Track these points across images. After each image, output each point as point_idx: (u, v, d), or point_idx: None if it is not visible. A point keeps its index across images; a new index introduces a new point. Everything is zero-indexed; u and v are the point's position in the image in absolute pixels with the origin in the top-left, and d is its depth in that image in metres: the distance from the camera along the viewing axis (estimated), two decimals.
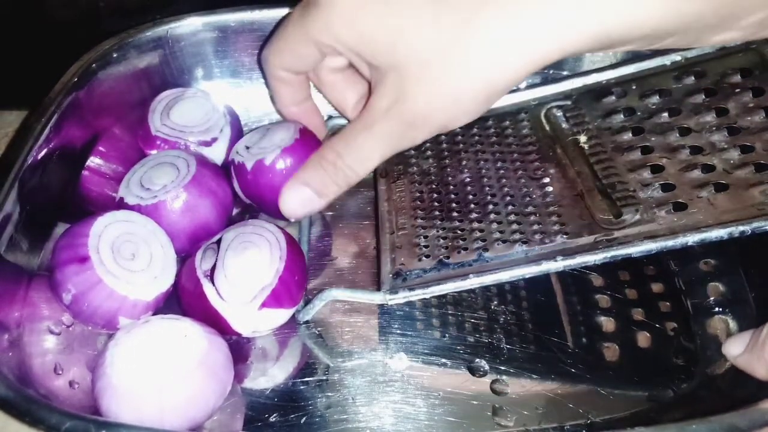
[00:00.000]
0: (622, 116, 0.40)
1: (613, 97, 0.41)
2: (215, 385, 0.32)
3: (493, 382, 0.36)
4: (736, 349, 0.33)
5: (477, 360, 0.37)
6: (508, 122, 0.43)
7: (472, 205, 0.39)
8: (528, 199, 0.38)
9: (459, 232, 0.38)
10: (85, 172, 0.41)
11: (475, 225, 0.38)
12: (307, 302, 0.38)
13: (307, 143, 0.39)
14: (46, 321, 0.35)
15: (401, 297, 0.35)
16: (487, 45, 0.28)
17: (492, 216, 0.38)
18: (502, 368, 0.37)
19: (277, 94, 0.39)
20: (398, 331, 0.38)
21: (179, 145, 0.42)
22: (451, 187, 0.41)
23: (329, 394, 0.36)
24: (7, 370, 0.30)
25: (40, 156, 0.37)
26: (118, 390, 0.30)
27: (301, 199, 0.36)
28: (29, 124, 0.37)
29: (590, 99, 0.42)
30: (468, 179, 0.41)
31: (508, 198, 0.39)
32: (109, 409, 0.31)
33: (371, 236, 0.43)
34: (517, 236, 0.36)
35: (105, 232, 0.35)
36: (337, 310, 0.39)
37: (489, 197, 0.39)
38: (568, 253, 0.34)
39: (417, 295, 0.35)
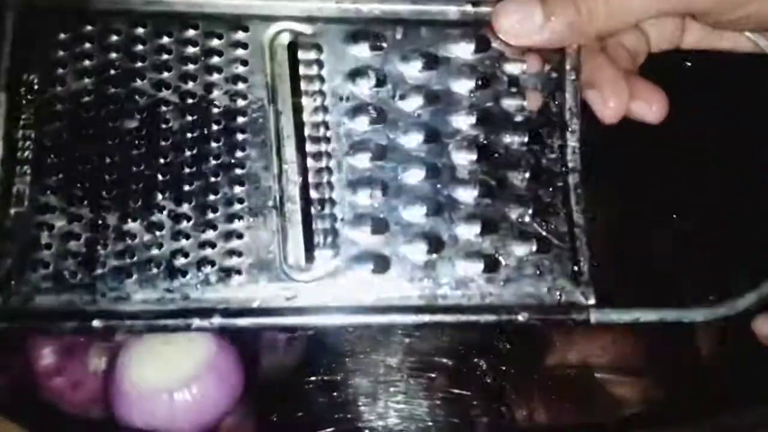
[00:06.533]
0: (374, 82, 0.29)
1: (367, 45, 0.29)
2: (225, 388, 0.33)
3: (495, 380, 0.36)
4: (766, 327, 0.32)
5: (479, 358, 0.36)
6: (216, 42, 0.29)
7: (133, 186, 0.27)
8: (211, 197, 0.27)
9: (101, 230, 0.26)
10: None
11: (130, 224, 0.27)
12: None
13: None
14: None
15: None
16: None
17: (157, 213, 0.27)
18: (504, 367, 0.36)
19: None
20: (399, 331, 0.36)
21: None
22: (109, 141, 0.27)
23: (332, 394, 0.35)
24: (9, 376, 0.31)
25: None
26: (130, 396, 0.31)
27: (524, 15, 0.28)
28: None
29: (339, 38, 0.29)
30: (136, 132, 0.28)
31: (187, 186, 0.27)
32: (122, 414, 0.32)
33: None
34: (179, 260, 0.26)
35: None
36: None
37: (159, 177, 0.27)
38: (231, 310, 0.26)
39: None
